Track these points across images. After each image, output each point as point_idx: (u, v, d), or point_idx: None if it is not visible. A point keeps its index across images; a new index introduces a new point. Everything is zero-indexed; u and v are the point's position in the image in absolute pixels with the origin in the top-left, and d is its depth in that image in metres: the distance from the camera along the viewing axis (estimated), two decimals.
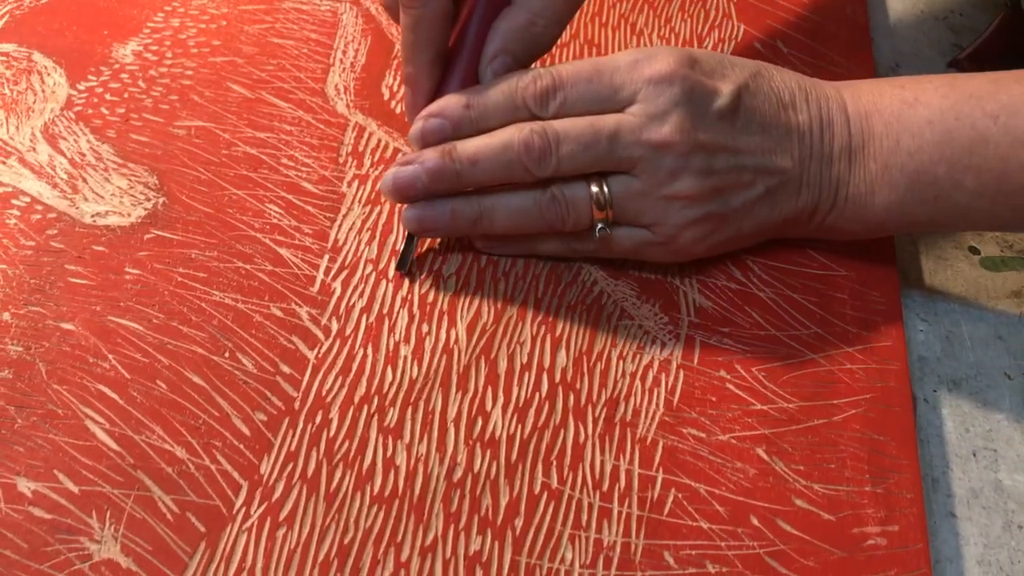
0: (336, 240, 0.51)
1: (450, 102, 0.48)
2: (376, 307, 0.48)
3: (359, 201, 0.52)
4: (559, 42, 0.62)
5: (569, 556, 0.41)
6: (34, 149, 0.53)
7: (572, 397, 0.46)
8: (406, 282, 0.49)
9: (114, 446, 0.42)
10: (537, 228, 0.49)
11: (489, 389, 0.46)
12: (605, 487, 0.43)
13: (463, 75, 0.50)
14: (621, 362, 0.48)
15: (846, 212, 0.49)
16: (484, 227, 0.49)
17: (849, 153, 0.49)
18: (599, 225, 0.47)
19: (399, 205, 0.52)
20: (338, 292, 0.49)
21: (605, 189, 0.47)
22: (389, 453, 0.43)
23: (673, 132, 0.46)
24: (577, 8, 0.51)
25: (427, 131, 0.48)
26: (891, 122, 0.48)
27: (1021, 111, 0.45)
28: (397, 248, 0.51)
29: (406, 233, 0.50)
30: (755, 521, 0.43)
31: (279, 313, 0.48)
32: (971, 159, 0.46)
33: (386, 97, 0.58)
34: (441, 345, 0.47)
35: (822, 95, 0.50)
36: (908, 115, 0.48)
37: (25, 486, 0.41)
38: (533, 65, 0.51)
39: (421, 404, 0.45)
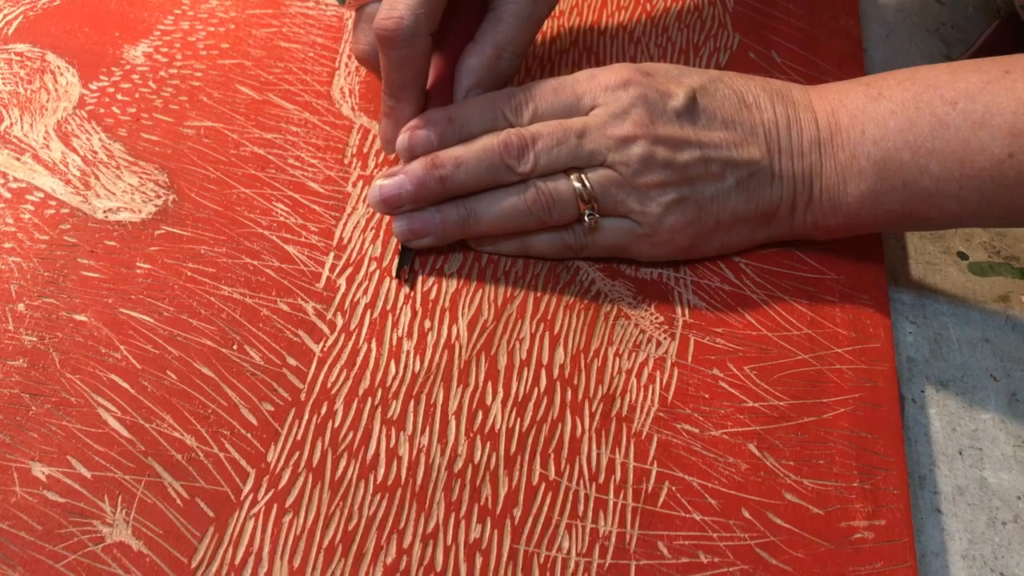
0: (341, 238, 0.52)
1: (434, 115, 0.51)
2: (380, 303, 0.50)
3: (364, 201, 0.54)
4: (560, 49, 0.63)
5: (566, 545, 0.43)
6: (47, 146, 0.54)
7: (570, 392, 0.47)
8: (409, 279, 0.51)
9: (125, 433, 0.44)
10: (525, 224, 0.51)
11: (489, 384, 0.47)
12: (601, 479, 0.45)
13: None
14: (617, 359, 0.49)
15: (823, 205, 0.51)
16: (472, 228, 0.51)
17: (818, 146, 0.51)
18: (587, 212, 0.50)
19: None
20: (343, 288, 0.50)
21: (586, 181, 0.49)
22: (392, 444, 0.45)
23: (633, 127, 0.49)
24: (533, 37, 0.55)
25: (414, 141, 0.51)
26: (856, 114, 0.50)
27: (978, 96, 0.47)
28: (400, 247, 0.52)
29: (400, 245, 0.52)
30: (746, 514, 0.44)
31: (286, 308, 0.49)
32: (933, 143, 0.48)
33: None
34: (443, 341, 0.49)
35: (787, 97, 0.52)
36: (872, 107, 0.50)
37: (39, 471, 0.42)
38: None
39: (423, 397, 0.46)
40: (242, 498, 0.43)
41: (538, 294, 0.51)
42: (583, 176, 0.49)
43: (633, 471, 0.45)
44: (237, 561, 0.41)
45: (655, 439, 0.46)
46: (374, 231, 0.52)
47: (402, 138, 0.51)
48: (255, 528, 0.42)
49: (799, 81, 0.63)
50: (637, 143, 0.49)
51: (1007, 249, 0.58)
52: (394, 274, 0.51)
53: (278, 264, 0.50)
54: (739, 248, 0.53)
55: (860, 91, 0.51)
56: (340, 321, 0.49)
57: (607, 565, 0.42)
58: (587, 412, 0.47)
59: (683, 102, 0.50)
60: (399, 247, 0.52)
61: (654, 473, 0.45)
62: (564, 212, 0.50)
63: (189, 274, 0.49)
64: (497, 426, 0.46)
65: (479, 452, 0.45)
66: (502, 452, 0.45)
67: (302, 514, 0.42)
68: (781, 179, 0.51)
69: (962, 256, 0.58)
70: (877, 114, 0.49)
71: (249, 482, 0.43)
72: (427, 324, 0.49)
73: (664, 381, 0.48)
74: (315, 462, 0.44)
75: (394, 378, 0.47)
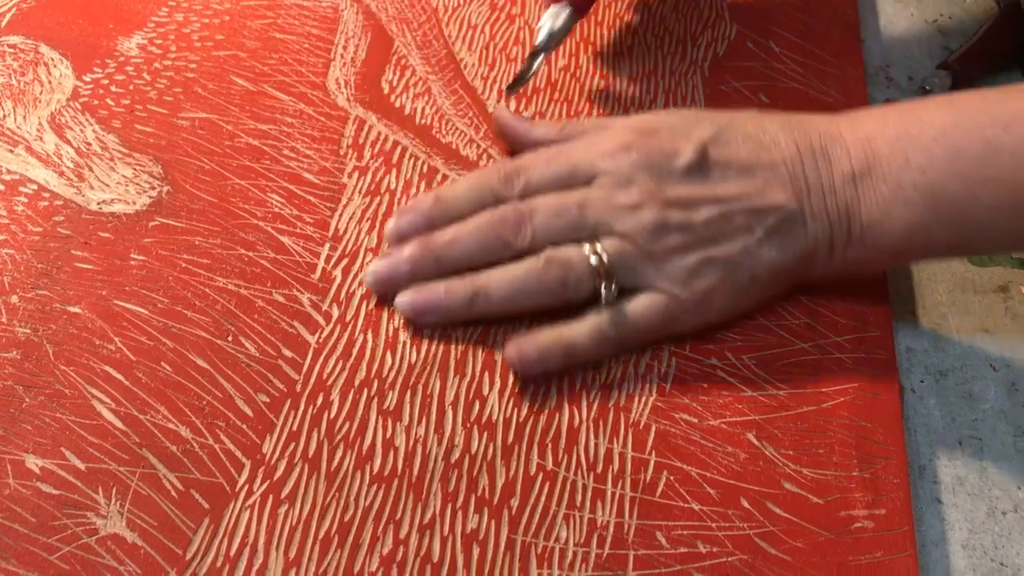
0: (337, 229, 0.52)
1: (420, 199, 0.50)
2: (375, 294, 0.49)
3: (359, 192, 0.53)
4: None
5: (564, 535, 0.42)
6: (41, 138, 0.54)
7: (567, 382, 0.47)
8: None
9: (120, 425, 0.43)
10: (539, 299, 0.47)
11: (486, 374, 0.47)
12: (599, 469, 0.44)
13: None
14: None
15: (865, 240, 0.47)
16: (482, 306, 0.47)
17: (854, 179, 0.47)
18: (603, 285, 0.46)
19: (398, 197, 0.53)
20: (339, 279, 0.50)
21: (599, 250, 0.46)
22: (388, 434, 0.44)
23: (640, 193, 0.46)
24: None
25: (401, 227, 0.49)
26: (896, 142, 0.46)
27: None
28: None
29: (528, 53, 0.53)
30: (745, 503, 0.44)
31: (281, 299, 0.49)
32: (985, 172, 0.44)
33: (385, 91, 0.59)
34: (439, 331, 0.48)
35: (811, 129, 0.48)
36: (914, 133, 0.46)
37: (33, 463, 0.42)
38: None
39: (420, 388, 0.46)
40: (237, 489, 0.42)
41: None
42: (595, 243, 0.46)
43: (631, 461, 0.45)
44: (232, 552, 0.41)
45: (653, 428, 0.46)
46: (370, 222, 0.52)
47: (389, 225, 0.50)
48: (250, 519, 0.41)
49: (797, 71, 0.63)
50: (646, 209, 0.46)
51: None
52: (509, 86, 0.54)
53: (273, 255, 0.50)
54: (784, 297, 0.50)
55: (896, 117, 0.47)
56: (336, 312, 0.48)
57: (605, 555, 0.42)
58: (584, 402, 0.47)
59: (691, 158, 0.47)
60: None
61: (652, 463, 0.45)
62: (580, 282, 0.46)
63: (184, 265, 0.49)
64: (494, 416, 0.46)
65: (476, 442, 0.45)
66: (499, 442, 0.45)
67: (298, 505, 0.42)
68: (815, 219, 0.47)
69: None
70: (920, 141, 0.45)
71: (244, 473, 0.43)
72: None
73: (662, 371, 0.48)
74: (311, 453, 0.44)
75: (390, 369, 0.47)
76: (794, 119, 0.49)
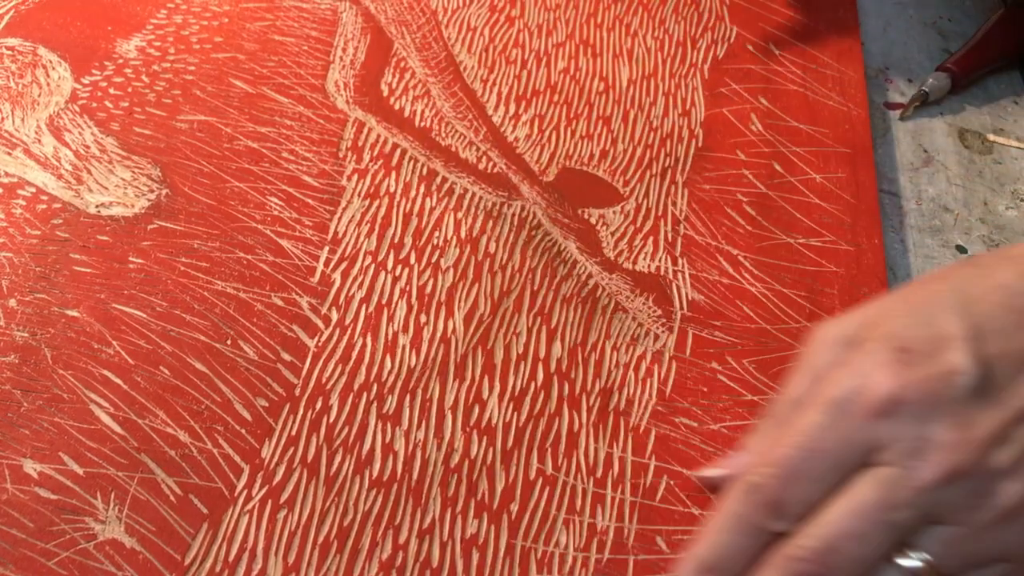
0: (336, 232, 0.52)
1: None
2: (375, 298, 0.49)
3: (358, 194, 0.53)
4: (554, 43, 0.63)
5: (564, 540, 0.42)
6: (39, 141, 0.53)
7: (567, 387, 0.47)
8: (405, 274, 0.50)
9: (118, 430, 0.43)
10: None
11: (486, 378, 0.47)
12: (599, 474, 0.44)
13: None
14: (615, 353, 0.49)
15: None
16: None
17: None
18: None
19: (399, 198, 0.53)
20: (338, 283, 0.50)
21: (925, 560, 0.34)
22: (388, 439, 0.44)
23: (947, 456, 0.33)
24: None
25: None
26: None
27: None
28: (395, 241, 0.51)
29: None
30: None
31: (280, 302, 0.48)
32: None
33: (385, 94, 0.59)
34: (439, 335, 0.48)
35: (1016, 274, 0.36)
36: None
37: (31, 467, 0.42)
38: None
39: (419, 392, 0.46)
40: (236, 494, 0.42)
41: (535, 288, 0.51)
42: (915, 558, 0.34)
43: (631, 465, 0.45)
44: (231, 558, 0.40)
45: (653, 433, 0.46)
46: (369, 225, 0.52)
47: None
48: (249, 524, 0.41)
49: (796, 74, 0.63)
50: (967, 471, 0.33)
51: (1005, 243, 0.58)
52: None
53: (272, 258, 0.50)
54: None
55: None
56: (335, 316, 0.48)
57: (605, 560, 0.42)
58: (584, 406, 0.46)
59: (975, 373, 0.34)
60: (395, 240, 0.51)
61: (652, 467, 0.45)
62: None
63: (182, 269, 0.49)
64: (494, 421, 0.45)
65: (476, 447, 0.45)
66: (499, 447, 0.45)
67: (297, 510, 0.42)
68: None
69: (961, 250, 0.57)
70: None
71: (243, 478, 0.43)
72: (423, 318, 0.49)
73: (662, 375, 0.48)
74: (310, 458, 0.43)
75: (390, 373, 0.47)
76: (996, 258, 0.38)
